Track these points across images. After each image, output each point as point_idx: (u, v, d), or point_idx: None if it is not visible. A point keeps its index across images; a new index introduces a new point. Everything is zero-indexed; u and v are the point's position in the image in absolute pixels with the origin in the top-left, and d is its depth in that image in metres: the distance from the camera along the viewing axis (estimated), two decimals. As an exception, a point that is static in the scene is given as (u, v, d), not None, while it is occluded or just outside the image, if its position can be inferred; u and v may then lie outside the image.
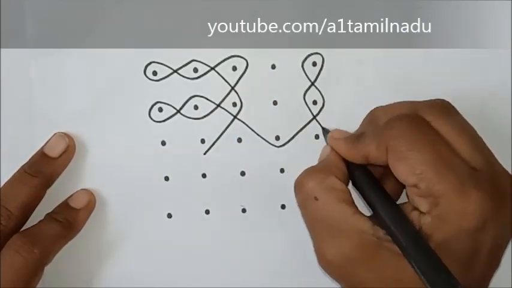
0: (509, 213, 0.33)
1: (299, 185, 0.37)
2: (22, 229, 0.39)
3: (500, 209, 0.32)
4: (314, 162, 0.41)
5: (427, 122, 0.34)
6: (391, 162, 0.33)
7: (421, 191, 0.32)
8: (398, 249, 0.33)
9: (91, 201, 0.41)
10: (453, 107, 0.36)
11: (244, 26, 0.41)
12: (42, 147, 0.41)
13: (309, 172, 0.37)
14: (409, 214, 0.34)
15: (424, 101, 0.36)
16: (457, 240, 0.32)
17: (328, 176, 0.36)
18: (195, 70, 0.41)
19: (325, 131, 0.41)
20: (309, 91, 0.42)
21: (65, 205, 0.41)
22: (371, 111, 0.39)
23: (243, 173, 0.42)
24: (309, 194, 0.35)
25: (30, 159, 0.40)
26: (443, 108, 0.35)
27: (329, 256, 0.34)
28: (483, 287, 0.34)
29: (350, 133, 0.39)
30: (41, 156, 0.40)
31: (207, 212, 0.43)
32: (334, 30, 0.41)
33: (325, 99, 0.42)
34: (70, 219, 0.40)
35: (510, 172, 0.35)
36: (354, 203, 0.35)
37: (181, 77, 0.41)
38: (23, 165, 0.40)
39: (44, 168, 0.40)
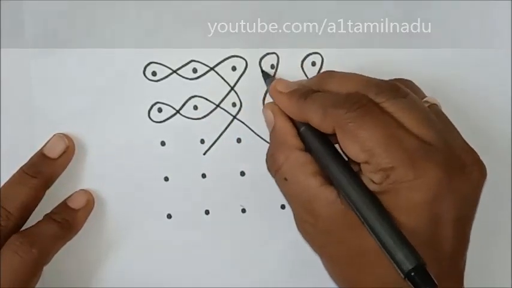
0: (468, 184, 0.33)
1: (269, 167, 0.38)
2: (21, 229, 0.39)
3: (457, 180, 0.32)
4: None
5: (376, 102, 0.34)
6: (340, 140, 0.34)
7: (372, 167, 0.33)
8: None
9: (89, 202, 0.41)
10: (404, 88, 0.35)
11: (244, 26, 0.41)
12: (42, 148, 0.40)
13: (273, 151, 0.37)
14: (364, 180, 0.34)
15: (376, 80, 0.36)
16: (410, 213, 0.32)
17: (291, 152, 0.36)
18: (195, 70, 0.41)
19: (266, 76, 0.40)
20: (308, 91, 0.41)
21: (64, 205, 0.40)
22: (326, 71, 0.39)
23: (242, 173, 0.42)
24: (279, 176, 0.36)
25: (29, 160, 0.40)
26: (394, 89, 0.35)
27: (307, 229, 0.36)
28: (458, 267, 0.34)
29: (295, 85, 0.38)
30: (41, 157, 0.40)
31: (207, 212, 0.42)
32: (333, 30, 0.41)
33: (324, 99, 0.41)
34: (69, 220, 0.40)
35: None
36: (319, 170, 0.35)
37: (181, 77, 0.41)
38: (22, 166, 0.40)
39: (43, 169, 0.40)
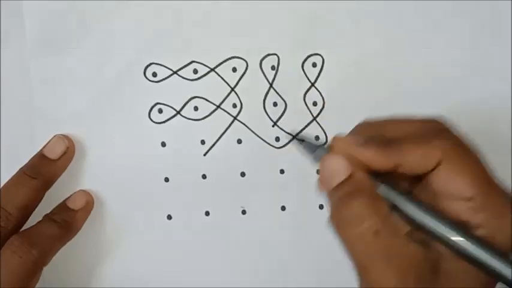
0: None
1: (348, 220, 0.30)
2: (21, 230, 0.39)
3: None
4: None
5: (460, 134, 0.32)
6: (440, 173, 0.30)
7: (476, 204, 0.30)
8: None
9: (89, 202, 0.41)
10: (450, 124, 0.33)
11: (245, 26, 0.41)
12: (42, 149, 0.40)
13: (355, 198, 0.30)
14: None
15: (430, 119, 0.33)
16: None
17: (380, 202, 0.30)
18: (195, 71, 0.41)
19: (314, 148, 0.33)
20: (309, 92, 0.41)
21: (63, 206, 0.40)
22: (361, 124, 0.34)
23: (243, 174, 0.42)
24: (368, 229, 0.29)
25: (29, 161, 0.40)
26: (444, 130, 0.32)
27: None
28: None
29: (361, 138, 0.32)
30: (40, 158, 0.40)
31: (207, 213, 0.42)
32: (334, 31, 0.41)
33: (325, 100, 0.41)
34: (68, 220, 0.40)
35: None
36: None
37: (181, 78, 0.41)
38: (22, 167, 0.40)
39: (43, 170, 0.39)
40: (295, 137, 0.37)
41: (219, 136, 0.42)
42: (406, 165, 0.30)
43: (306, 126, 0.41)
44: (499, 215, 0.30)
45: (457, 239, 0.30)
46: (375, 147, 0.31)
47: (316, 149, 0.33)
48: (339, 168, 0.31)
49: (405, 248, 0.30)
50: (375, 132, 0.32)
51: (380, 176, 0.31)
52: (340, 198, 0.30)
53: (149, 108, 0.41)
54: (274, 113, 0.41)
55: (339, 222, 0.30)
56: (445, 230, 0.30)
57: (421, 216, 0.31)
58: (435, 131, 0.32)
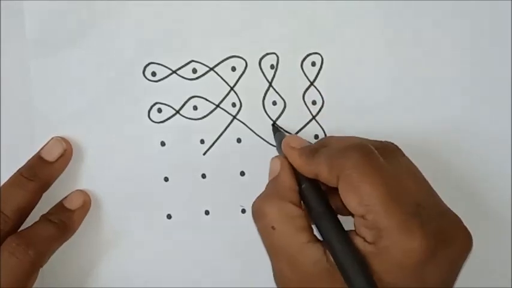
0: (455, 249, 0.33)
1: (258, 213, 0.36)
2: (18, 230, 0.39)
3: (444, 246, 0.32)
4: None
5: (379, 156, 0.34)
6: (341, 190, 0.33)
7: (367, 222, 0.32)
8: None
9: (86, 202, 0.41)
10: (400, 149, 0.36)
11: (244, 25, 0.41)
12: (39, 151, 0.40)
13: (267, 199, 0.36)
14: (354, 238, 0.33)
15: (374, 141, 0.36)
16: (398, 275, 0.32)
17: (285, 203, 0.35)
18: (194, 71, 0.41)
19: (276, 130, 0.41)
20: (308, 91, 0.41)
21: (60, 206, 0.40)
22: (325, 137, 0.40)
23: (242, 173, 0.42)
24: (267, 223, 0.35)
25: (26, 163, 0.40)
26: (392, 150, 0.36)
27: (286, 283, 0.35)
28: None
29: (305, 141, 0.38)
30: (38, 160, 0.40)
31: (207, 212, 0.42)
32: (334, 31, 0.41)
33: (324, 99, 0.41)
34: (65, 220, 0.40)
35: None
36: (309, 226, 0.35)
37: (181, 78, 0.41)
38: (19, 169, 0.39)
39: (40, 172, 0.39)
40: (272, 125, 0.41)
41: (218, 135, 0.42)
42: (321, 177, 0.35)
43: (305, 125, 0.41)
44: (384, 234, 0.32)
45: (339, 249, 0.33)
46: (298, 154, 0.37)
47: (275, 133, 0.41)
48: (273, 167, 0.38)
49: (297, 246, 0.34)
50: (324, 144, 0.37)
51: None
52: (262, 194, 0.37)
53: (148, 108, 0.41)
54: (274, 112, 0.41)
55: (253, 213, 0.37)
56: (332, 237, 0.34)
57: (319, 217, 0.35)
58: (349, 148, 0.34)
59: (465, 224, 0.34)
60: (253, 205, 0.37)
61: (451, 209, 0.34)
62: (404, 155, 0.36)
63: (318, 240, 0.35)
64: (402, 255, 0.31)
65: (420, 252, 0.31)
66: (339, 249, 0.33)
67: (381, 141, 0.36)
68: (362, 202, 0.32)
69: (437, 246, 0.32)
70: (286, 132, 0.41)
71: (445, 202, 0.35)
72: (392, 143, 0.36)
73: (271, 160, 0.38)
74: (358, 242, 0.33)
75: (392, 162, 0.34)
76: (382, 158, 0.34)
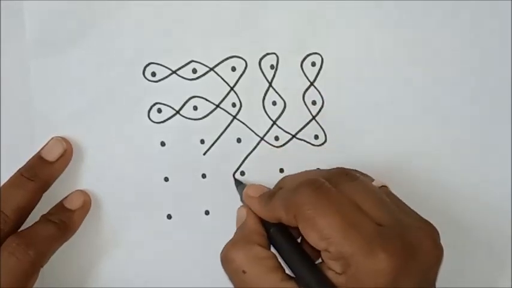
0: (425, 264, 0.33)
1: (225, 260, 0.36)
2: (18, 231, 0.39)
3: (411, 261, 0.32)
4: (313, 162, 0.41)
5: (330, 186, 0.34)
6: (301, 228, 0.34)
7: (332, 255, 0.32)
8: None
9: (86, 202, 0.41)
10: (353, 172, 0.36)
11: (244, 26, 0.41)
12: (40, 151, 0.40)
13: (234, 245, 0.37)
14: (326, 272, 0.33)
15: (325, 170, 0.38)
16: None
17: (252, 246, 0.36)
18: (194, 71, 0.41)
19: (238, 183, 0.41)
20: (308, 91, 0.41)
21: (60, 206, 0.40)
22: (281, 179, 0.41)
23: (242, 173, 0.42)
24: (237, 268, 0.35)
25: (27, 163, 0.40)
26: (344, 174, 0.36)
27: None
28: None
29: (265, 189, 0.39)
30: (38, 160, 0.40)
31: (207, 212, 0.42)
32: (334, 30, 0.41)
33: (324, 100, 0.41)
34: (65, 221, 0.39)
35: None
36: (281, 266, 0.35)
37: (180, 78, 0.41)
38: (19, 169, 0.39)
39: (40, 172, 0.39)
40: (234, 178, 0.42)
41: (218, 135, 0.42)
42: (283, 220, 0.35)
43: (305, 125, 0.41)
44: (350, 262, 0.32)
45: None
46: (258, 202, 0.38)
47: (237, 187, 0.41)
48: (240, 215, 0.39)
49: (271, 286, 0.34)
50: (281, 186, 0.39)
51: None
52: (229, 241, 0.37)
53: (148, 108, 0.41)
54: (274, 112, 0.41)
55: (221, 260, 0.37)
56: (305, 273, 0.34)
57: (290, 257, 0.36)
58: (300, 185, 0.35)
59: (436, 228, 0.34)
60: (221, 253, 0.37)
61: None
62: (357, 178, 0.35)
63: (291, 277, 0.35)
64: (373, 279, 0.31)
65: (389, 272, 0.31)
66: (314, 284, 0.33)
67: (330, 170, 0.37)
68: (322, 236, 0.33)
69: (404, 261, 0.32)
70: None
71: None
72: (343, 168, 0.37)
73: (238, 210, 0.40)
74: (330, 274, 0.33)
75: (346, 188, 0.34)
76: (335, 187, 0.34)
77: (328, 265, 0.33)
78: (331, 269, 0.33)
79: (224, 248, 0.37)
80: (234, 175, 0.41)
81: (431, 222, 0.35)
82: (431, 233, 0.34)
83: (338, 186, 0.34)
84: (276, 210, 0.36)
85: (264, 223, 0.38)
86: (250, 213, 0.38)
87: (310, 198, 0.33)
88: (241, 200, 0.40)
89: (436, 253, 0.33)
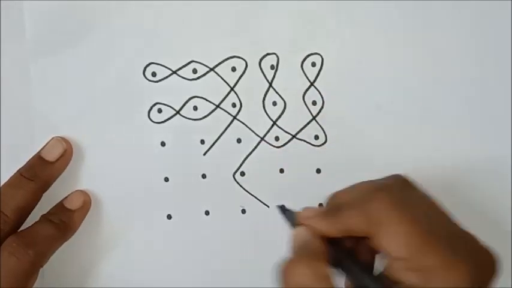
0: (488, 276, 0.32)
1: (289, 274, 0.33)
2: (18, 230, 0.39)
3: (481, 276, 0.32)
4: (313, 162, 0.41)
5: (404, 193, 0.33)
6: (378, 234, 0.32)
7: (412, 264, 0.31)
8: None
9: (86, 202, 0.41)
10: (413, 182, 0.35)
11: (244, 26, 0.41)
12: (40, 151, 0.40)
13: (300, 261, 0.34)
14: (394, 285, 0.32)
15: (387, 177, 0.35)
16: None
17: (321, 264, 0.33)
18: (194, 71, 0.41)
19: (284, 210, 0.39)
20: (308, 91, 0.41)
21: (60, 206, 0.40)
22: (333, 194, 0.37)
23: (242, 174, 0.42)
24: (302, 284, 0.33)
25: (27, 163, 0.40)
26: (407, 184, 0.34)
27: None
28: None
29: (317, 209, 0.36)
30: (38, 160, 0.40)
31: (207, 212, 0.42)
32: (333, 30, 0.41)
33: (324, 100, 0.41)
34: (65, 221, 0.39)
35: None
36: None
37: (181, 78, 0.41)
38: (19, 169, 0.39)
39: (40, 172, 0.39)
40: (279, 206, 0.39)
41: (218, 136, 0.42)
42: (353, 230, 0.33)
43: (306, 125, 0.41)
44: (432, 275, 0.31)
45: None
46: (323, 216, 0.35)
47: (291, 218, 0.37)
48: (299, 235, 0.35)
49: None
50: (338, 201, 0.35)
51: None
52: (293, 257, 0.34)
53: (148, 108, 0.41)
54: (274, 112, 0.41)
55: (283, 273, 0.33)
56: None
57: (360, 280, 0.33)
58: (374, 192, 0.33)
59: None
60: (282, 266, 0.34)
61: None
62: (417, 187, 0.34)
63: None
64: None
65: (468, 282, 0.30)
66: None
67: (394, 176, 0.35)
68: (402, 243, 0.31)
69: (478, 277, 0.31)
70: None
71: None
72: (403, 176, 0.35)
73: (295, 230, 0.36)
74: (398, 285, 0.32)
75: (413, 197, 0.33)
76: (401, 192, 0.33)
77: (400, 276, 0.32)
78: (397, 282, 0.32)
79: (286, 262, 0.34)
80: (282, 206, 0.39)
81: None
82: (486, 246, 0.33)
83: (406, 193, 0.33)
84: (349, 221, 0.33)
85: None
86: (313, 235, 0.35)
87: (391, 204, 0.32)
88: (291, 226, 0.38)
89: (496, 267, 0.33)
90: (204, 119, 0.41)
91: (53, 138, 0.41)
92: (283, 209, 0.39)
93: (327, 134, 0.41)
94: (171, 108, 0.41)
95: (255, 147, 0.41)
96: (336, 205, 0.35)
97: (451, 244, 0.31)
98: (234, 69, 0.41)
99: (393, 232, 0.32)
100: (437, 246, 0.31)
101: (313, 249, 0.35)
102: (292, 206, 0.41)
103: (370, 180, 0.35)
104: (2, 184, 0.39)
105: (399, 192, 0.33)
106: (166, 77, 0.41)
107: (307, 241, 0.35)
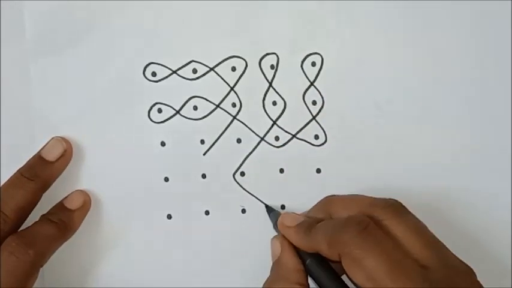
0: None
1: None
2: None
3: None
4: (313, 162, 0.41)
5: (378, 224, 0.34)
6: (345, 266, 0.33)
7: None
8: None
9: (86, 202, 0.41)
10: (405, 207, 0.35)
11: (244, 26, 0.41)
12: (40, 151, 0.40)
13: (273, 285, 0.36)
14: None
15: (378, 199, 0.36)
16: None
17: (292, 285, 0.36)
18: (194, 71, 0.41)
19: (270, 210, 0.41)
20: (308, 91, 0.41)
21: (60, 206, 0.40)
22: (326, 198, 0.39)
23: (242, 174, 0.42)
24: None
25: (27, 163, 0.40)
26: (396, 209, 0.35)
27: None
28: None
29: (301, 217, 0.38)
30: (38, 160, 0.40)
31: (207, 212, 0.42)
32: (333, 30, 0.41)
33: (324, 100, 0.41)
34: (65, 220, 0.39)
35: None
36: None
37: (181, 78, 0.41)
38: (19, 169, 0.39)
39: (40, 172, 0.39)
40: (266, 206, 0.41)
41: (218, 135, 0.42)
42: (322, 253, 0.35)
43: (305, 125, 0.41)
44: None
45: None
46: (295, 232, 0.37)
47: (269, 213, 0.41)
48: (274, 249, 0.38)
49: None
50: (326, 212, 0.38)
51: None
52: (267, 279, 0.37)
53: (148, 108, 0.41)
54: (274, 112, 0.41)
55: None
56: None
57: None
58: (343, 226, 0.34)
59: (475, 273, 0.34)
60: None
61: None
62: (409, 212, 0.35)
63: None
64: None
65: None
66: None
67: (385, 200, 0.36)
68: (369, 277, 0.32)
69: None
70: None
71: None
72: (397, 201, 0.36)
73: (271, 241, 0.39)
74: None
75: (393, 225, 0.34)
76: (382, 221, 0.34)
77: None
78: None
79: (263, 287, 0.36)
80: (266, 205, 0.41)
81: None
82: (473, 277, 0.33)
83: (386, 221, 0.34)
84: (317, 243, 0.35)
85: (299, 252, 0.37)
86: (285, 247, 0.38)
87: (357, 238, 0.33)
88: (274, 227, 0.40)
89: None
90: (204, 119, 0.41)
91: (53, 138, 0.40)
92: (268, 209, 0.41)
93: (327, 133, 0.41)
94: (171, 108, 0.41)
95: (255, 147, 0.41)
96: (311, 223, 0.37)
97: (421, 277, 0.32)
98: (234, 69, 0.41)
99: (357, 266, 0.33)
100: (403, 281, 0.31)
101: (285, 270, 0.37)
102: (292, 206, 0.42)
103: (361, 197, 0.37)
104: (2, 184, 0.39)
105: (374, 227, 0.33)
106: (166, 76, 0.41)
107: (280, 259, 0.37)
